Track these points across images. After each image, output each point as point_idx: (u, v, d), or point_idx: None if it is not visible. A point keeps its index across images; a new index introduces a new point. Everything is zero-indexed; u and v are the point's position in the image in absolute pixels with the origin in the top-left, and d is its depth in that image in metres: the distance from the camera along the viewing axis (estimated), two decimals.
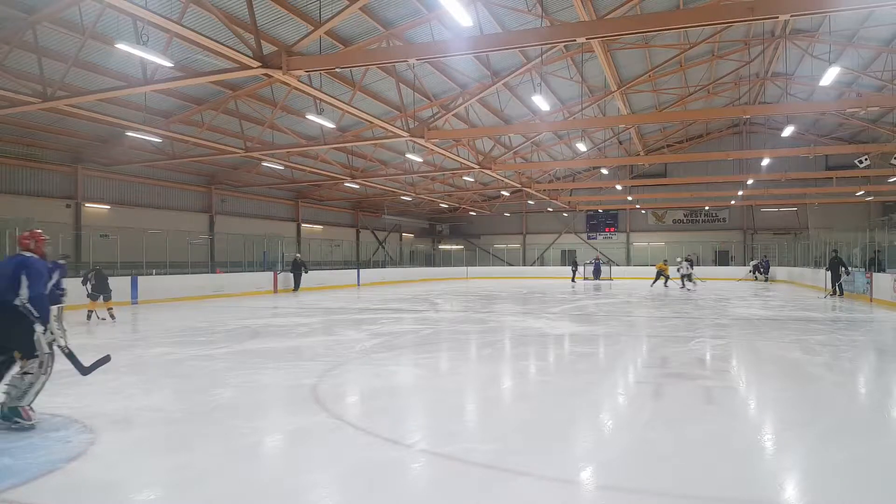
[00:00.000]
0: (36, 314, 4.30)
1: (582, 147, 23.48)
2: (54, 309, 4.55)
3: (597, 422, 4.94)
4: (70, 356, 4.55)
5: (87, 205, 19.89)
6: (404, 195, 29.81)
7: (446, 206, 36.53)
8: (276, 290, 21.59)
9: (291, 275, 22.16)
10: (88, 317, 12.04)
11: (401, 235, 40.85)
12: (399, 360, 7.62)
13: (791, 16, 7.79)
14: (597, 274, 30.09)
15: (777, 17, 7.81)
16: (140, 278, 16.84)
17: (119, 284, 15.73)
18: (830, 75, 12.77)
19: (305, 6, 11.87)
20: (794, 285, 25.22)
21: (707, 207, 34.82)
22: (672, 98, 22.67)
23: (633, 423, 4.82)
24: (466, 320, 12.37)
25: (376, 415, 5.05)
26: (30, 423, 4.33)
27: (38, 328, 4.31)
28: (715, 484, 3.47)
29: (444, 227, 42.79)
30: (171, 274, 19.21)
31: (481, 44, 10.00)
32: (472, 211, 38.08)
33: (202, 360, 7.51)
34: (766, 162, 25.65)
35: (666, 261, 22.10)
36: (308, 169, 22.42)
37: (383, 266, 35.04)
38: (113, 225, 20.05)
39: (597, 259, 30.76)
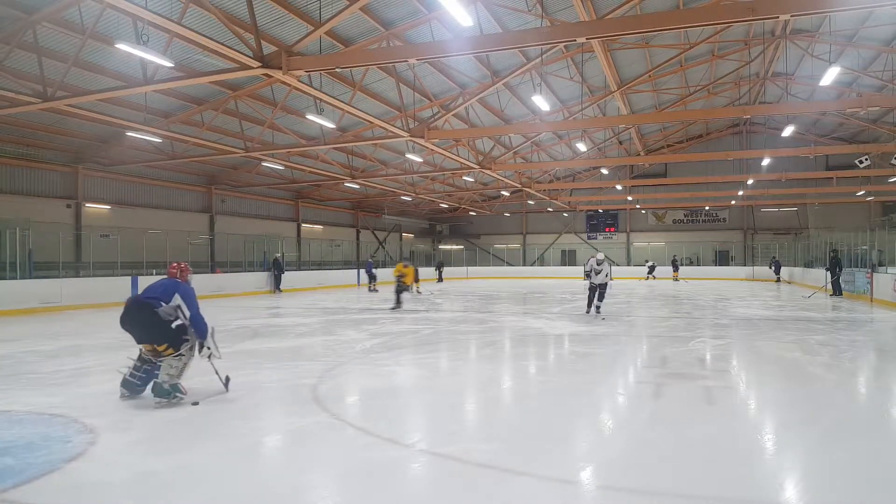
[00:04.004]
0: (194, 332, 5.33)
1: (582, 147, 23.48)
2: (210, 328, 5.47)
3: (597, 422, 4.93)
4: (216, 371, 5.58)
5: (87, 205, 19.89)
6: (404, 195, 29.82)
7: (446, 206, 36.53)
8: (274, 291, 21.59)
9: (273, 275, 22.03)
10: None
11: (401, 235, 40.84)
12: (399, 360, 7.62)
13: (791, 16, 7.78)
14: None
15: (777, 17, 7.79)
16: (140, 278, 16.82)
17: (119, 285, 15.77)
18: (830, 75, 12.78)
19: (305, 6, 11.87)
20: (795, 285, 25.24)
21: (707, 207, 34.82)
22: (672, 98, 22.67)
23: (634, 423, 4.82)
24: (466, 320, 12.37)
25: (376, 415, 5.05)
26: (185, 395, 5.19)
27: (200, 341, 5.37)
28: (715, 484, 3.47)
29: (444, 227, 42.79)
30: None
31: (481, 44, 9.99)
32: (472, 211, 38.08)
33: (202, 359, 7.49)
34: (766, 162, 25.65)
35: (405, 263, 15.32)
36: (308, 169, 22.41)
37: (384, 266, 35.01)
38: (113, 225, 20.05)
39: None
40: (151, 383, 5.21)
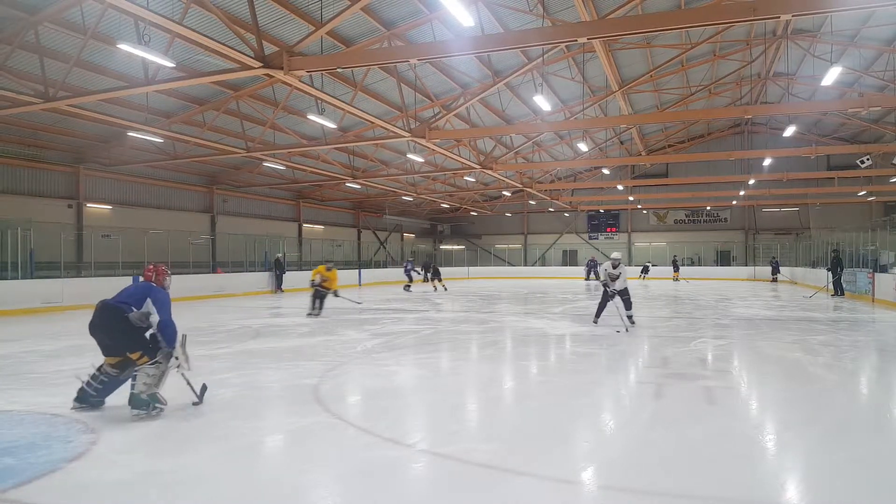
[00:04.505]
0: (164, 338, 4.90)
1: (583, 147, 23.48)
2: (180, 336, 5.05)
3: (598, 422, 4.93)
4: (189, 383, 5.17)
5: (88, 205, 19.93)
6: (405, 195, 29.83)
7: (447, 206, 36.54)
8: (276, 291, 21.62)
9: (274, 275, 21.98)
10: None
11: (402, 235, 40.85)
12: (400, 360, 7.62)
13: (793, 15, 7.77)
14: (595, 274, 30.13)
15: (779, 17, 7.78)
16: (141, 278, 16.85)
17: (120, 285, 15.77)
18: (832, 75, 12.76)
19: (307, 6, 11.88)
20: (797, 285, 25.21)
21: (709, 207, 34.80)
22: (673, 98, 22.65)
23: (635, 423, 4.81)
24: (468, 320, 12.36)
25: (377, 415, 5.05)
26: (165, 405, 4.89)
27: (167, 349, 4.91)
28: (715, 484, 3.47)
29: (445, 228, 42.78)
30: (172, 274, 19.18)
31: (483, 44, 9.99)
32: (473, 211, 38.08)
33: (203, 360, 7.49)
34: (767, 162, 25.65)
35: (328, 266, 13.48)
36: (309, 169, 22.44)
37: (384, 266, 35.05)
38: (115, 225, 20.08)
39: (592, 259, 30.78)
40: (128, 397, 4.83)
